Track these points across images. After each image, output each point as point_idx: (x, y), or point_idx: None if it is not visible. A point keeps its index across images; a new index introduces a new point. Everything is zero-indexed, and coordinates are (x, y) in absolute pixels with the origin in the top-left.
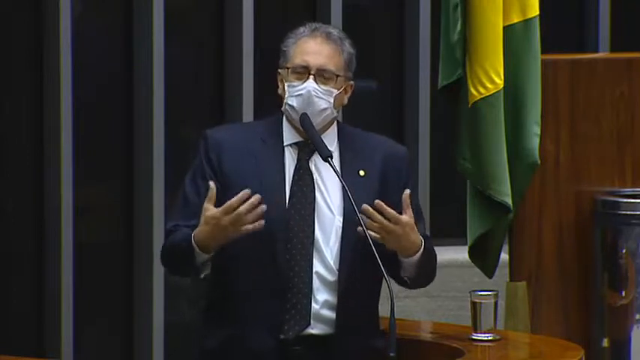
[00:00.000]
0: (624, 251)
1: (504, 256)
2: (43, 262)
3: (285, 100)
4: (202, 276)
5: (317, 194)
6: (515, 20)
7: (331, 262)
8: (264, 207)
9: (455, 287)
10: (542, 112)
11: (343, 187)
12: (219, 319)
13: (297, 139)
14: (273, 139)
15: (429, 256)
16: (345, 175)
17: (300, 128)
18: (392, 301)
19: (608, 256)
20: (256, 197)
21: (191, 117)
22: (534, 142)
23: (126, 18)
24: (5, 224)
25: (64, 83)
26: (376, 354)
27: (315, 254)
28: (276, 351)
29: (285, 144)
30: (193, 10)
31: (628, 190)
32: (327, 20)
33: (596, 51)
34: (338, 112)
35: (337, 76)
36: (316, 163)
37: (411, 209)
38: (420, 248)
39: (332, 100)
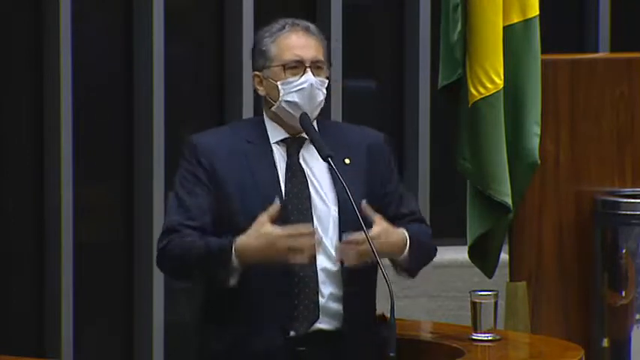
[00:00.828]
0: (624, 251)
1: (504, 256)
2: (43, 262)
3: (280, 98)
4: (230, 284)
5: (310, 188)
6: (515, 20)
7: (333, 253)
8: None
9: (455, 287)
10: (542, 112)
11: (341, 183)
12: (224, 320)
13: (284, 135)
14: (258, 139)
15: (419, 244)
16: (334, 164)
17: (290, 124)
18: (392, 301)
19: (608, 256)
20: (319, 235)
21: (191, 117)
22: (534, 142)
23: (126, 18)
24: (5, 224)
25: (64, 83)
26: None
27: (317, 248)
28: (286, 349)
29: (272, 142)
30: (193, 10)
31: (628, 190)
32: (327, 20)
33: (596, 51)
34: None
35: (326, 66)
36: (304, 157)
37: (378, 217)
38: (405, 244)
39: (325, 91)
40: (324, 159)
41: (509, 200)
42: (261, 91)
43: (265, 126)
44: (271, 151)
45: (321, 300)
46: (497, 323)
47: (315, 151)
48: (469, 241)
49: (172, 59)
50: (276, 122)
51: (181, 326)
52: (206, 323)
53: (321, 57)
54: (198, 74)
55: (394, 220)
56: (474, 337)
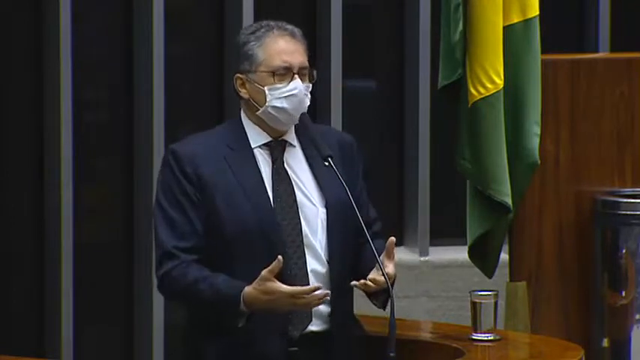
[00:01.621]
0: (624, 251)
1: (504, 256)
2: (43, 262)
3: (267, 103)
4: (239, 325)
5: (297, 191)
6: (515, 20)
7: (321, 254)
8: (328, 293)
9: (455, 287)
10: (542, 112)
11: (342, 184)
12: (217, 326)
13: (267, 139)
14: (239, 143)
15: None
16: (315, 165)
17: (275, 128)
18: (392, 301)
19: (608, 256)
20: (327, 292)
21: (191, 117)
22: (534, 142)
23: (126, 18)
24: (5, 224)
25: (64, 83)
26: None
27: (306, 250)
28: (281, 352)
29: (253, 146)
30: (193, 10)
31: (628, 190)
32: (327, 20)
33: (596, 51)
34: None
35: (309, 70)
36: (287, 161)
37: (393, 259)
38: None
39: (310, 95)
40: (324, 159)
41: (509, 200)
42: (244, 94)
43: (245, 130)
44: (253, 155)
45: None
46: (497, 323)
47: (297, 153)
48: (469, 241)
49: (172, 59)
50: (258, 126)
51: (181, 326)
52: (196, 331)
53: (306, 62)
54: (198, 74)
55: (366, 225)
56: (474, 337)
